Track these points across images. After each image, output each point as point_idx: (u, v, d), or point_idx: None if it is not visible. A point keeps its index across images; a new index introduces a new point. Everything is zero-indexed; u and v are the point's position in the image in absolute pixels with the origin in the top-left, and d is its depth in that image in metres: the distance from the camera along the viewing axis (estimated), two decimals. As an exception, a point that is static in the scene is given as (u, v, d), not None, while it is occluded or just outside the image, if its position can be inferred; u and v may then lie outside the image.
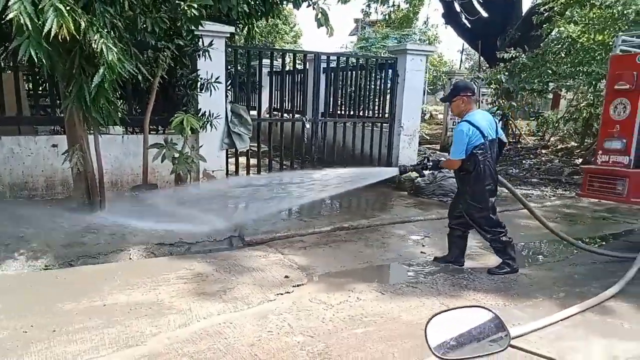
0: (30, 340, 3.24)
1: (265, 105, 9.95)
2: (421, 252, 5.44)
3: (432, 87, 38.12)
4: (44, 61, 4.19)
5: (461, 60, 28.93)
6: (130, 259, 4.94)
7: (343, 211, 7.42)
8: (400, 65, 8.77)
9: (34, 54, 4.02)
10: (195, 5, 5.39)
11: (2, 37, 5.46)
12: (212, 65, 6.63)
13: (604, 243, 6.25)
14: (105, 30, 4.53)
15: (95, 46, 4.31)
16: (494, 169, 4.68)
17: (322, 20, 6.37)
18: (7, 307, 3.73)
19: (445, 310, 1.41)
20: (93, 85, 4.55)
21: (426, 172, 5.43)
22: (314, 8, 6.88)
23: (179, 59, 6.31)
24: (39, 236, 5.08)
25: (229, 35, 7.07)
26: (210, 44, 6.46)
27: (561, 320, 3.72)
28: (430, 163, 4.99)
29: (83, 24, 4.24)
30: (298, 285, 4.39)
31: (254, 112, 8.38)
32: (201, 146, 6.69)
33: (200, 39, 6.43)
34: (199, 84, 6.58)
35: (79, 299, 3.91)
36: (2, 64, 6.64)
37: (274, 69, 8.80)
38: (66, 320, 3.56)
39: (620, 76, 5.43)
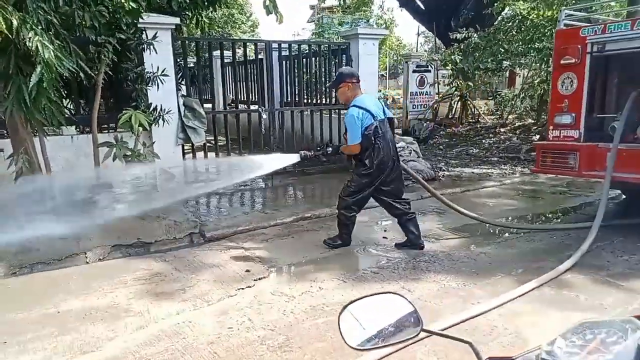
0: (-22, 355, 3.12)
1: (220, 97, 9.78)
2: (383, 237, 5.43)
3: (393, 71, 38.41)
4: (-22, 62, 4.00)
5: (417, 43, 29.16)
6: (87, 262, 4.80)
7: (306, 200, 7.37)
8: (353, 50, 8.72)
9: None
10: (132, -3, 5.19)
11: None
12: (159, 58, 6.44)
13: (565, 216, 6.38)
14: (40, 27, 4.35)
15: (30, 44, 4.13)
16: (390, 148, 4.78)
17: (271, 7, 6.20)
18: (-46, 321, 3.57)
19: (359, 299, 1.38)
20: (31, 85, 4.36)
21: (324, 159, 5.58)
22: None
23: (123, 53, 6.09)
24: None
25: (174, 26, 6.85)
26: (155, 37, 6.25)
27: (519, 296, 3.78)
28: (330, 149, 5.14)
29: (15, 22, 4.07)
30: (259, 279, 4.33)
31: (209, 105, 8.22)
32: (154, 142, 6.47)
33: (144, 32, 6.23)
34: (145, 77, 6.37)
35: (31, 308, 3.79)
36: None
37: (230, 60, 8.63)
38: (18, 330, 3.46)
39: (565, 50, 5.49)
